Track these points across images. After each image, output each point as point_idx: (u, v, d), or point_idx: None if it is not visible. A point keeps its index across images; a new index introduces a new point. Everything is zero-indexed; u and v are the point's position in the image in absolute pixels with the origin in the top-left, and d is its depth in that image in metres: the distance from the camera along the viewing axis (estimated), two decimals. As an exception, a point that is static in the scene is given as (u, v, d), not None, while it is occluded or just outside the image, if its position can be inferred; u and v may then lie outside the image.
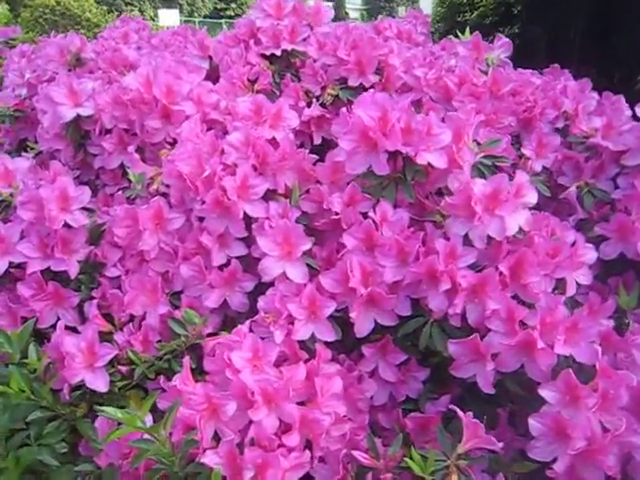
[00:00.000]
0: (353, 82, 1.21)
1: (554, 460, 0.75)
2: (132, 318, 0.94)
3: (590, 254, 0.88)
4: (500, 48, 1.26)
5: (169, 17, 19.04)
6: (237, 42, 1.39)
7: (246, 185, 0.89)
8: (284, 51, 1.29)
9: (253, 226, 0.91)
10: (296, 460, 0.74)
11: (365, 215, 0.90)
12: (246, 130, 0.93)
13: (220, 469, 0.68)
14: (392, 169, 0.90)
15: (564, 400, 0.75)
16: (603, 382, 0.74)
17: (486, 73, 1.19)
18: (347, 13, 22.96)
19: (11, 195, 1.02)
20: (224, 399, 0.75)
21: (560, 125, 1.18)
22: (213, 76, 1.41)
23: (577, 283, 0.88)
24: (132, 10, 21.38)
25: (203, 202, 0.91)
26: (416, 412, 0.92)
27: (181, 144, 0.97)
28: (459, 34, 1.32)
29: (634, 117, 1.09)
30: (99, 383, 0.80)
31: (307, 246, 0.86)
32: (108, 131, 1.13)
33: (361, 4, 25.39)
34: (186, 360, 0.81)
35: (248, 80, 1.27)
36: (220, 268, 0.92)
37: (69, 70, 1.51)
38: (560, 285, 0.86)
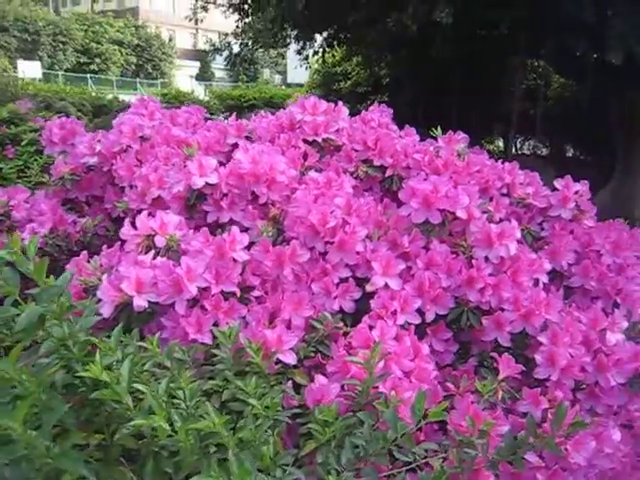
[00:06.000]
0: (377, 163, 1.80)
1: (547, 379, 1.37)
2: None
3: (547, 265, 1.54)
4: (461, 141, 1.94)
5: (30, 69, 18.31)
6: (281, 129, 1.91)
7: (354, 231, 1.42)
8: (323, 139, 1.84)
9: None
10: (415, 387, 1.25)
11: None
12: (347, 197, 1.47)
13: (394, 394, 1.17)
14: (435, 219, 1.49)
15: (552, 341, 1.37)
16: (570, 330, 1.38)
17: (459, 155, 1.86)
18: (213, 73, 23.94)
19: (171, 240, 1.43)
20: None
21: (504, 191, 1.88)
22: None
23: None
24: (-17, 60, 20.03)
25: (326, 242, 1.42)
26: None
27: (301, 205, 1.46)
28: (433, 130, 1.98)
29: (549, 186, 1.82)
30: (289, 359, 1.25)
31: (402, 266, 1.40)
32: (224, 195, 1.58)
33: (225, 66, 26.58)
34: (340, 342, 1.30)
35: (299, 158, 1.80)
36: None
37: (141, 144, 1.90)
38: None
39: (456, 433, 1.17)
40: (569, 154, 11.91)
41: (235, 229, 1.38)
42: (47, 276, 1.81)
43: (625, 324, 1.46)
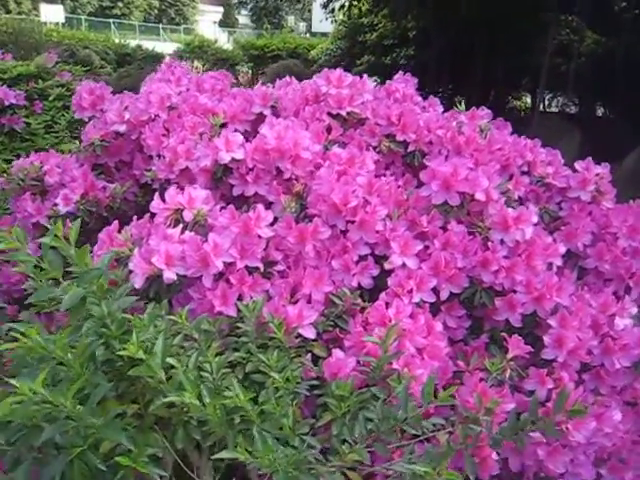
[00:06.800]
0: (399, 138, 1.82)
1: (554, 360, 1.43)
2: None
3: (562, 248, 1.57)
4: (485, 117, 1.94)
5: (53, 13, 18.11)
6: (306, 101, 1.93)
7: (375, 211, 1.46)
8: (347, 112, 1.86)
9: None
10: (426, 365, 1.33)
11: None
12: (369, 176, 1.51)
13: (406, 371, 1.25)
14: (454, 201, 1.53)
15: (560, 324, 1.42)
16: (579, 314, 1.43)
17: (482, 131, 1.86)
18: (236, 19, 23.54)
19: (199, 214, 1.49)
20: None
21: (525, 169, 1.89)
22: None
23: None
24: (6, 2, 19.84)
25: (347, 221, 1.47)
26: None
27: (324, 184, 1.50)
28: (457, 105, 1.98)
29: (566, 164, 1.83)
30: (309, 333, 1.33)
31: (420, 247, 1.45)
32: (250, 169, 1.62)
33: (249, 12, 25.76)
34: (358, 318, 1.37)
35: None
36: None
37: (168, 113, 1.94)
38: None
39: (463, 409, 1.24)
40: (599, 113, 11.55)
41: (260, 207, 1.44)
42: (81, 244, 1.90)
43: (635, 310, 1.50)
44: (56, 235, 0.94)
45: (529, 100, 11.91)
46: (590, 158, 1.81)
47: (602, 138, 8.49)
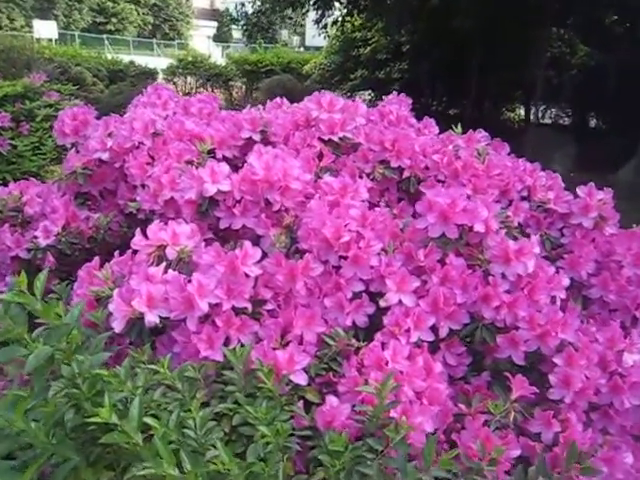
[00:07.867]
0: (394, 164, 1.75)
1: (561, 400, 1.35)
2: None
3: (565, 280, 1.50)
4: (482, 140, 1.88)
5: (46, 29, 18.11)
6: (296, 126, 1.86)
7: (369, 246, 1.39)
8: (339, 137, 1.79)
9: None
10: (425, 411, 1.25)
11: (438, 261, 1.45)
12: (362, 208, 1.43)
13: (404, 419, 1.16)
14: (452, 232, 1.45)
15: (567, 363, 1.35)
16: (586, 352, 1.35)
17: (479, 154, 1.80)
18: (230, 34, 23.65)
19: (182, 252, 1.41)
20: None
21: (524, 194, 1.82)
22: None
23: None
24: (-1, 17, 19.87)
25: (340, 257, 1.39)
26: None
27: (315, 217, 1.43)
28: (453, 128, 1.91)
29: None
30: (300, 379, 1.25)
31: (417, 284, 1.38)
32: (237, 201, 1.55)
33: (241, 29, 25.89)
34: (352, 360, 1.29)
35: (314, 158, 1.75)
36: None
37: (153, 140, 1.86)
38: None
39: (466, 459, 1.16)
40: (592, 124, 11.57)
41: (247, 244, 1.36)
42: (65, 275, 1.80)
43: (644, 344, 1.43)
44: (20, 289, 0.86)
45: (523, 112, 11.93)
46: (592, 184, 1.75)
47: (595, 149, 8.49)
